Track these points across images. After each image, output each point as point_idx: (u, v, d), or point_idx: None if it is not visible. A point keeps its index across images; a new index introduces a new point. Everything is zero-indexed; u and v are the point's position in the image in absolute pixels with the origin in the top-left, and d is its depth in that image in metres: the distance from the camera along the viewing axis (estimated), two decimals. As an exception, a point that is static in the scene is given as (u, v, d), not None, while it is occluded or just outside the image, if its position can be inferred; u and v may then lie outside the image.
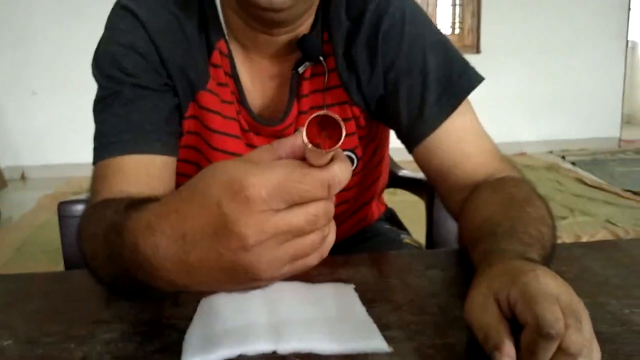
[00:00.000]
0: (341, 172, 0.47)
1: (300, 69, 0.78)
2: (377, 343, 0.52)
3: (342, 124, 0.44)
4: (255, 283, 0.54)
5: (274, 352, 0.51)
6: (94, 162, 0.75)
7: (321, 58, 0.78)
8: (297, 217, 0.47)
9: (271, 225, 0.47)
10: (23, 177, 4.09)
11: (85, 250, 0.64)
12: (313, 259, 0.53)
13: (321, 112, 0.44)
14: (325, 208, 0.48)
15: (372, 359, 0.50)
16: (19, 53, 4.01)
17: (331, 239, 0.53)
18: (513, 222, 0.63)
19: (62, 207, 0.91)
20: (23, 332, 0.57)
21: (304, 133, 0.44)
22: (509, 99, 4.31)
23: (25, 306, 0.63)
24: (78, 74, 4.03)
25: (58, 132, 4.01)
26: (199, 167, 0.83)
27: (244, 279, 0.51)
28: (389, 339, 0.52)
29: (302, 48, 0.77)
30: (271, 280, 0.52)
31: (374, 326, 0.54)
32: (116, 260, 0.58)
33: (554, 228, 0.66)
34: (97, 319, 0.59)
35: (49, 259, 2.54)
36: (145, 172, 0.73)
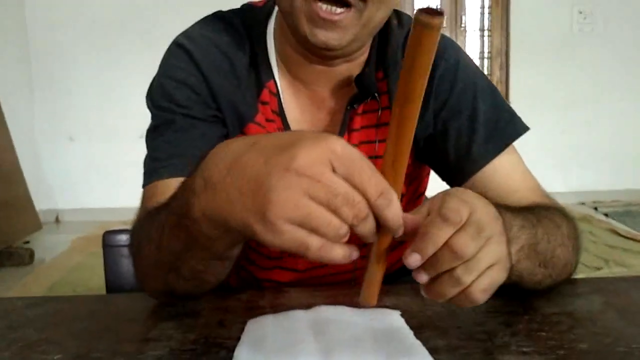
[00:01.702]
0: (394, 206, 0.46)
1: (356, 105, 0.81)
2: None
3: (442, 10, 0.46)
4: (257, 218, 0.45)
5: (324, 368, 0.51)
6: (144, 185, 0.77)
7: (377, 95, 0.81)
8: (340, 186, 0.44)
9: (318, 170, 0.44)
10: (57, 220, 4.17)
11: (140, 254, 0.66)
12: (329, 249, 0.45)
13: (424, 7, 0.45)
14: (361, 208, 0.45)
15: (422, 380, 0.49)
16: (58, 103, 4.14)
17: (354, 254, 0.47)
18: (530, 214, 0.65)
19: (107, 237, 0.93)
20: (72, 348, 0.57)
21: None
22: (539, 150, 4.27)
23: (73, 325, 0.64)
24: (113, 122, 4.17)
25: (92, 177, 4.10)
26: None
27: (254, 203, 0.45)
28: (438, 362, 0.52)
29: (360, 84, 0.80)
30: (271, 227, 0.44)
31: (424, 348, 0.54)
32: (167, 228, 0.58)
33: (575, 249, 0.70)
34: (144, 337, 0.60)
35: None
36: None
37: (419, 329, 0.59)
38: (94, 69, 4.11)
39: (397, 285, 0.75)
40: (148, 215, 0.66)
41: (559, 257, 0.67)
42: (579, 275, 0.75)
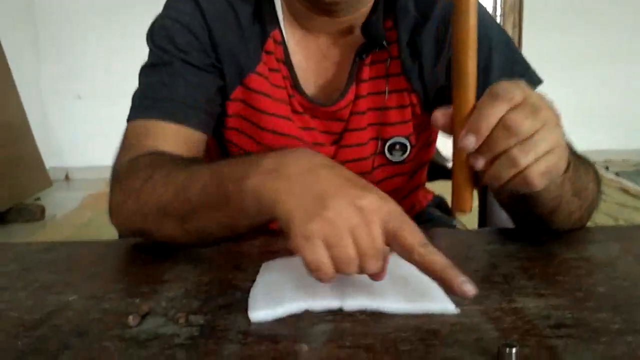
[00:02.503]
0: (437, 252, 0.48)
1: (364, 55, 0.79)
2: (445, 304, 0.51)
3: None
4: (302, 218, 0.48)
5: (340, 309, 0.50)
6: (130, 119, 0.76)
7: (385, 44, 0.79)
8: (378, 242, 0.48)
9: (372, 219, 0.48)
10: (67, 178, 4.19)
11: (134, 190, 0.65)
12: (328, 279, 0.49)
13: None
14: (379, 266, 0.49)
15: (439, 319, 0.49)
16: (65, 62, 4.11)
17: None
18: None
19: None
20: (87, 290, 0.57)
21: None
22: (551, 109, 4.23)
23: (87, 268, 0.64)
24: (120, 81, 4.13)
25: (100, 135, 4.09)
26: (246, 150, 0.84)
27: (310, 207, 0.48)
28: (455, 301, 0.51)
29: (367, 33, 0.78)
30: (308, 233, 0.47)
31: (441, 291, 0.53)
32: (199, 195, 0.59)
33: (598, 193, 0.72)
34: (159, 279, 0.59)
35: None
36: (184, 141, 0.75)
37: (434, 272, 0.59)
38: (100, 28, 4.07)
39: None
40: (166, 159, 0.67)
41: (590, 193, 0.67)
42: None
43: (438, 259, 0.46)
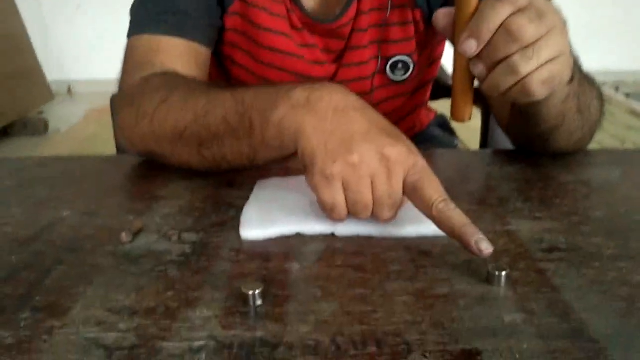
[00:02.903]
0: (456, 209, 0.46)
1: None
2: (437, 228, 0.50)
3: None
4: (325, 157, 0.47)
5: (332, 234, 0.50)
6: (132, 34, 0.73)
7: None
8: (397, 194, 0.48)
9: (395, 170, 0.47)
10: (70, 92, 4.16)
11: (147, 111, 0.63)
12: (341, 219, 0.50)
13: None
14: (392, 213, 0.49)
15: (430, 241, 0.49)
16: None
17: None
18: None
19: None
20: (81, 205, 0.57)
21: None
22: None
23: (82, 184, 0.64)
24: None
25: (102, 47, 4.01)
26: (244, 68, 0.82)
27: (335, 146, 0.47)
28: (449, 224, 0.51)
29: None
30: (328, 171, 0.46)
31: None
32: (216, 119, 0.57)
33: (601, 113, 0.69)
34: (153, 195, 0.59)
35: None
36: (194, 58, 0.73)
37: (430, 194, 0.58)
38: None
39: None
40: (183, 81, 0.65)
41: (593, 112, 0.66)
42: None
43: (456, 216, 0.45)
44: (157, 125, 0.62)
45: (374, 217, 0.49)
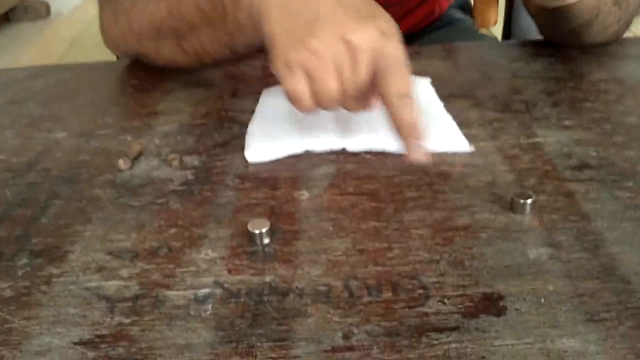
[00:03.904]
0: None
1: None
2: (458, 142, 0.47)
3: None
4: (287, 40, 0.43)
5: (344, 150, 0.47)
6: None
7: None
8: (361, 78, 0.42)
9: (361, 58, 0.41)
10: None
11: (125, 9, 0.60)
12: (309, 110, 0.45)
13: None
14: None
15: (451, 159, 0.45)
16: None
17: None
18: None
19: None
20: (77, 125, 0.54)
21: None
22: None
23: (77, 99, 0.60)
24: None
25: None
26: None
27: (298, 28, 0.42)
28: (469, 138, 0.47)
29: None
30: (289, 59, 0.42)
31: (454, 124, 0.49)
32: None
33: None
34: (152, 111, 0.56)
35: (103, 54, 2.52)
36: None
37: (449, 98, 0.54)
38: None
39: (428, 46, 0.67)
40: None
41: (632, 2, 0.59)
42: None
43: (407, 114, 0.41)
44: (135, 22, 0.59)
45: (344, 108, 0.45)
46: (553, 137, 0.47)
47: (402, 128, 0.41)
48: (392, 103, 0.41)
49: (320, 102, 0.43)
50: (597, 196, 0.40)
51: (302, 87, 0.42)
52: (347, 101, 0.44)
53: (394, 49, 0.42)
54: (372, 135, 0.47)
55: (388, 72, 0.41)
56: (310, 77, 0.42)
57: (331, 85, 0.42)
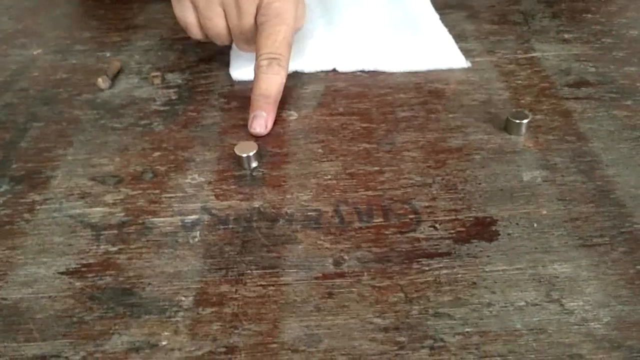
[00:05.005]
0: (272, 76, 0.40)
1: None
2: (454, 57, 0.45)
3: None
4: None
5: (334, 70, 0.45)
6: None
7: None
8: (247, 23, 0.42)
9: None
10: None
11: None
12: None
13: None
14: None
15: (444, 75, 0.44)
16: None
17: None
18: None
19: None
20: (53, 40, 0.51)
21: None
22: None
23: (52, 11, 0.57)
24: None
25: None
26: None
27: None
28: (464, 52, 0.45)
29: None
30: None
31: (449, 37, 0.47)
32: None
33: None
34: (131, 24, 0.53)
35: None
36: None
37: (444, 8, 0.51)
38: None
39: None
40: None
41: None
42: None
43: (262, 81, 0.39)
44: None
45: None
46: (551, 52, 0.45)
47: (254, 94, 0.40)
48: (258, 64, 0.40)
49: (209, 36, 0.44)
50: (594, 115, 0.39)
51: (190, 18, 0.43)
52: (237, 42, 0.44)
53: (280, 5, 0.41)
54: (365, 52, 0.45)
55: (265, 28, 0.41)
56: (197, 11, 0.42)
57: (218, 23, 0.42)
